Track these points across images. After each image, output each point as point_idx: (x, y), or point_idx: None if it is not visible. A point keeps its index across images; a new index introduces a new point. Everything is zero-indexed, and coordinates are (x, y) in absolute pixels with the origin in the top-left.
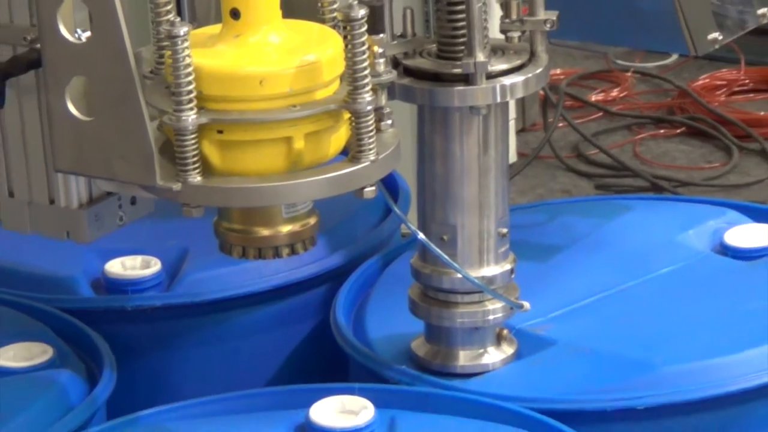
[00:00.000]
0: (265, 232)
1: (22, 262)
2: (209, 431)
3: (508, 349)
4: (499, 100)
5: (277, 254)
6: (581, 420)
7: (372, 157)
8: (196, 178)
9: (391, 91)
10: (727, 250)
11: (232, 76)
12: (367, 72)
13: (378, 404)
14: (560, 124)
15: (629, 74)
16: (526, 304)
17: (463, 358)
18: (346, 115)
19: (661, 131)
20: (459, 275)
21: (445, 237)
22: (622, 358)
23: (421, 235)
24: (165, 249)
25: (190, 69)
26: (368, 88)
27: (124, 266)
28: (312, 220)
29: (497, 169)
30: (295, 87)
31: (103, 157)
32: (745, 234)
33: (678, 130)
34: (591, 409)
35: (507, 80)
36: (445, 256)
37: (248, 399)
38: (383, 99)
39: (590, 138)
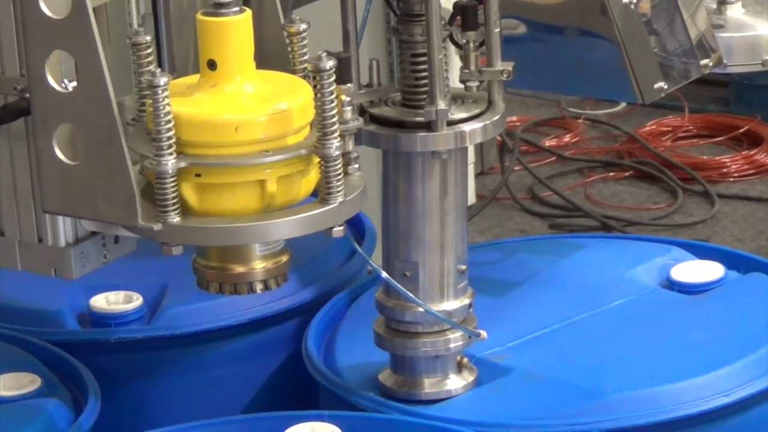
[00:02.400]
0: (240, 269)
1: (11, 297)
2: None
3: (468, 376)
4: (459, 145)
5: (251, 290)
6: None
7: (340, 199)
8: (175, 219)
9: (358, 136)
10: (673, 285)
11: (209, 123)
12: (335, 119)
13: (346, 430)
14: (516, 168)
15: (580, 121)
16: (484, 333)
17: (428, 386)
18: (316, 160)
19: (611, 174)
20: (421, 309)
21: (407, 273)
22: (575, 385)
23: (384, 274)
24: (146, 285)
25: (169, 116)
26: (336, 134)
27: (108, 301)
28: (284, 258)
29: (457, 210)
30: (268, 133)
31: (89, 198)
32: (690, 270)
33: (626, 173)
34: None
35: (467, 127)
36: (407, 292)
37: (224, 426)
38: (350, 144)
39: (544, 181)
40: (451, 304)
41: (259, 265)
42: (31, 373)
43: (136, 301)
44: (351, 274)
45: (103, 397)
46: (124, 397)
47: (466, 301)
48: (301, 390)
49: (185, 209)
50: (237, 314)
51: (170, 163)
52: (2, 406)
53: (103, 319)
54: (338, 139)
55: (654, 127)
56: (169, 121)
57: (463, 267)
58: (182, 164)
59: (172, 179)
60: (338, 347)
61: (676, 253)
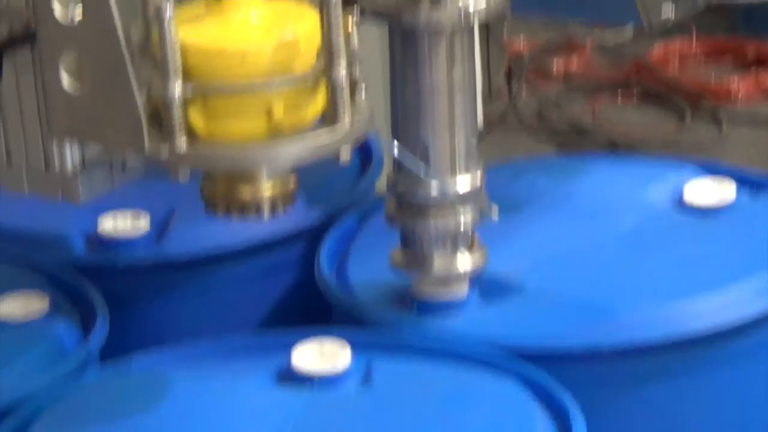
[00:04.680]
0: (247, 192)
1: (19, 222)
2: (192, 373)
3: (478, 257)
4: (463, 22)
5: (259, 213)
6: (549, 362)
7: (347, 124)
8: (182, 145)
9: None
10: (685, 205)
11: (217, 52)
12: (341, 44)
13: (356, 346)
14: (523, 93)
15: (588, 46)
16: (495, 210)
17: (438, 264)
18: (323, 86)
19: (618, 98)
20: (432, 185)
21: (418, 152)
22: (587, 304)
23: (396, 145)
24: (154, 208)
25: (176, 45)
26: (343, 59)
27: (115, 223)
28: (291, 181)
29: (465, 87)
30: (275, 61)
31: (96, 125)
32: (703, 190)
33: (634, 97)
34: (558, 351)
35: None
36: (419, 164)
37: (230, 343)
38: (357, 70)
39: (552, 105)
40: (462, 178)
41: (266, 189)
42: (38, 292)
43: (144, 222)
44: (359, 196)
45: (111, 320)
46: (132, 321)
47: (478, 173)
48: (311, 313)
49: (192, 135)
50: (245, 237)
51: (177, 89)
52: (9, 325)
53: (110, 242)
54: (345, 64)
55: (661, 50)
56: (175, 50)
57: (473, 140)
58: (189, 91)
59: (179, 106)
60: (350, 266)
61: (688, 172)
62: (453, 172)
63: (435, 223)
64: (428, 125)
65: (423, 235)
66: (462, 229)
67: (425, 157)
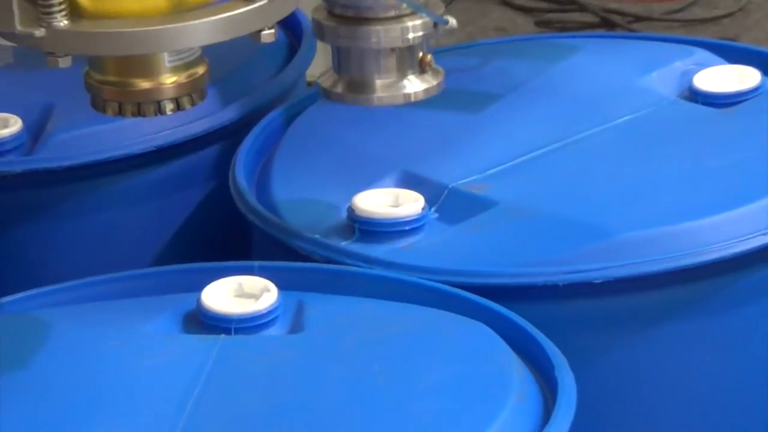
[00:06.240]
0: (144, 84)
1: None
2: (82, 319)
3: (431, 79)
4: None
5: (159, 110)
6: (526, 297)
7: None
8: (62, 22)
9: None
10: (696, 96)
11: None
12: None
13: (282, 285)
14: None
15: None
16: (453, 20)
17: (380, 88)
18: None
19: None
20: None
21: None
22: (574, 222)
23: None
24: (26, 105)
25: None
26: None
27: None
28: (200, 70)
29: None
30: None
31: None
32: (718, 76)
33: None
34: (537, 283)
35: None
36: None
37: (128, 282)
38: None
39: None
40: None
41: (168, 79)
42: None
43: (14, 125)
44: (286, 87)
45: None
46: (3, 246)
47: None
48: (227, 236)
49: (75, 10)
50: (142, 140)
51: None
52: None
53: None
54: None
55: None
56: None
57: None
58: None
59: None
60: (274, 179)
61: (700, 55)
62: None
63: (377, 33)
64: None
65: (361, 51)
66: (410, 43)
67: None
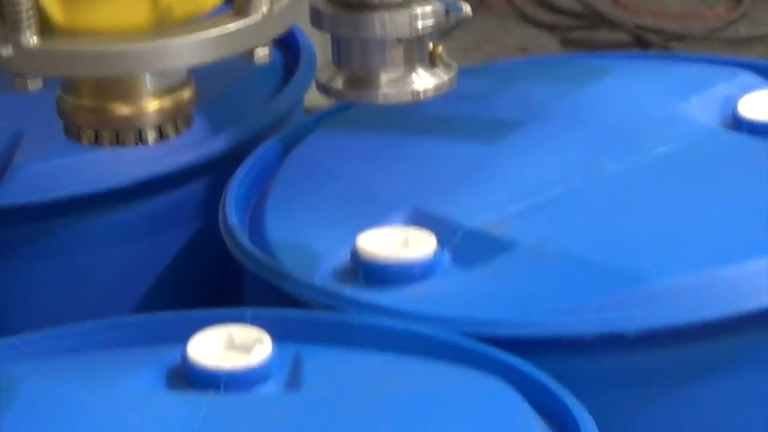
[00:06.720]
0: (124, 109)
1: None
2: (52, 374)
3: (443, 74)
4: None
5: (140, 139)
6: (549, 351)
7: (264, 9)
8: (31, 39)
9: None
10: (740, 124)
11: None
12: None
13: (278, 336)
14: None
15: None
16: (467, 7)
17: (386, 83)
18: None
19: None
20: None
21: None
22: (605, 267)
23: None
24: None
25: None
26: None
27: None
28: (186, 94)
29: None
30: None
31: None
32: (765, 102)
33: None
34: (562, 334)
35: None
36: None
37: (106, 332)
38: None
39: None
40: None
41: (150, 104)
42: None
43: None
44: (281, 114)
45: None
46: None
47: None
48: (217, 280)
49: (46, 27)
50: (121, 173)
51: None
52: None
53: None
54: None
55: None
56: None
57: None
58: None
59: None
60: (269, 216)
61: (744, 78)
62: None
63: (381, 20)
64: None
65: (365, 42)
66: (419, 33)
67: None
